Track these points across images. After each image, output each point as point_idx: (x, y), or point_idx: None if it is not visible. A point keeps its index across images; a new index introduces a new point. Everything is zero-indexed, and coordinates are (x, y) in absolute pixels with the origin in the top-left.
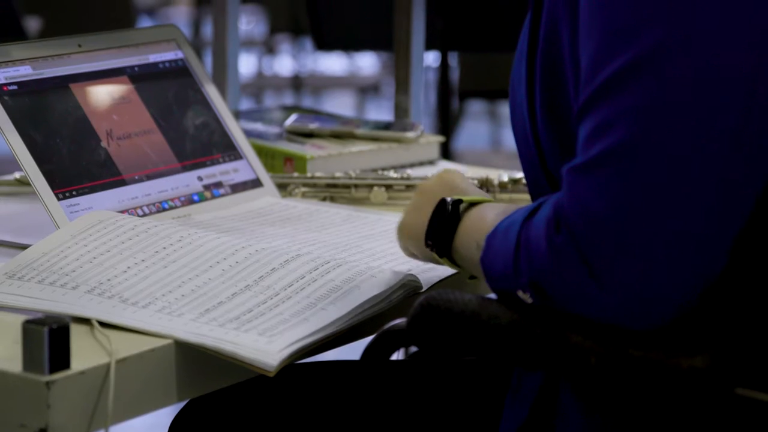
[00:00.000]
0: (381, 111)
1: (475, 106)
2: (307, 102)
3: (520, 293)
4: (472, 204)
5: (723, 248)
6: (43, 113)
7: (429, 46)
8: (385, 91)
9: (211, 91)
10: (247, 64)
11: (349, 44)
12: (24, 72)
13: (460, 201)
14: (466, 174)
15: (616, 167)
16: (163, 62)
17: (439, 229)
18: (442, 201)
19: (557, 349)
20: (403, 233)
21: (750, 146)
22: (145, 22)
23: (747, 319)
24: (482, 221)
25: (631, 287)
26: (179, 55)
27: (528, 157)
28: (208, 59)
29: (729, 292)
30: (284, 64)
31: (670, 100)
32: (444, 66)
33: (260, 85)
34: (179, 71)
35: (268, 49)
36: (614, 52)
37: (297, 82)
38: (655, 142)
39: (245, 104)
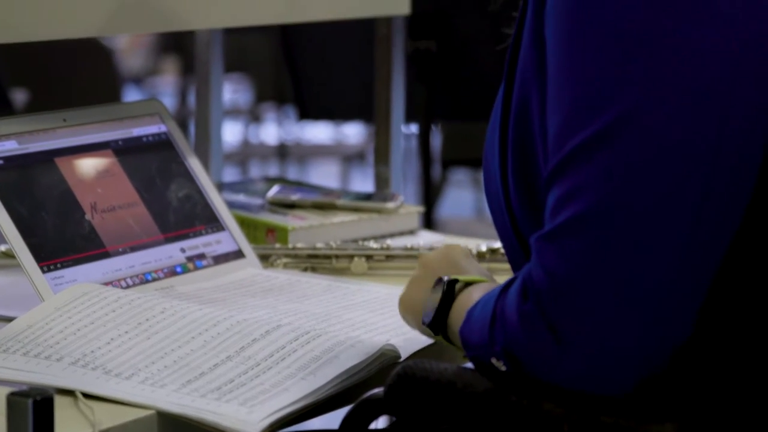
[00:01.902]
0: (366, 179)
1: (459, 174)
2: (293, 170)
3: (494, 360)
4: (469, 284)
5: (686, 316)
6: (28, 187)
7: (411, 115)
8: (371, 159)
9: (194, 164)
10: (232, 132)
11: (332, 114)
12: (9, 147)
13: (455, 281)
14: (444, 241)
15: (580, 235)
16: (147, 136)
17: (435, 309)
18: (439, 281)
19: (531, 417)
20: (403, 306)
21: (710, 218)
22: (131, 91)
23: (714, 387)
24: (470, 300)
25: (593, 354)
26: (162, 128)
27: (503, 226)
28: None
29: (697, 360)
30: (270, 133)
31: (632, 172)
32: (425, 136)
33: (246, 153)
34: (162, 144)
35: (254, 117)
36: (579, 124)
37: (282, 151)
38: (617, 213)
39: (231, 173)
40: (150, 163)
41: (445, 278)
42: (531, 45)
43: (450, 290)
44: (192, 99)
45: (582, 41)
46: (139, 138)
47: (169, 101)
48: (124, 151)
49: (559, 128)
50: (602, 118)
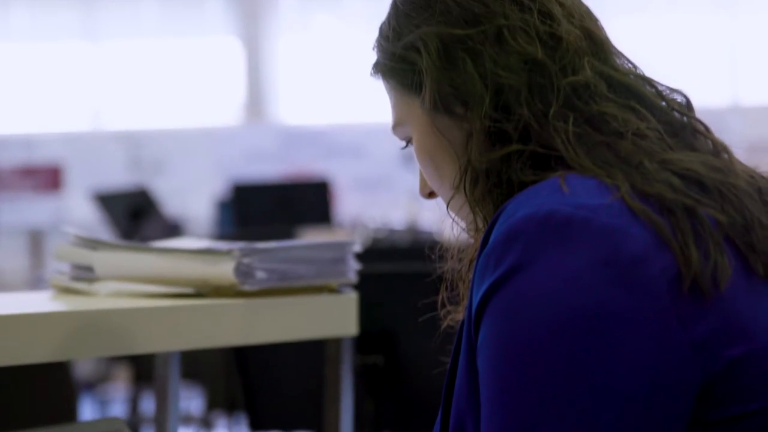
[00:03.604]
0: None
1: None
2: None
3: None
4: None
5: None
6: None
7: (360, 426)
8: None
9: None
10: None
11: (282, 424)
12: None
13: None
14: None
15: None
16: None
17: None
18: None
19: None
20: None
21: None
22: (85, 397)
23: None
24: None
25: None
26: None
27: None
28: None
29: None
30: None
31: None
32: None
33: None
34: None
35: (205, 424)
36: None
37: None
38: None
39: None
40: None
41: None
42: (466, 375)
43: None
44: (144, 405)
45: (508, 374)
46: None
47: (120, 408)
48: None
49: None
50: None
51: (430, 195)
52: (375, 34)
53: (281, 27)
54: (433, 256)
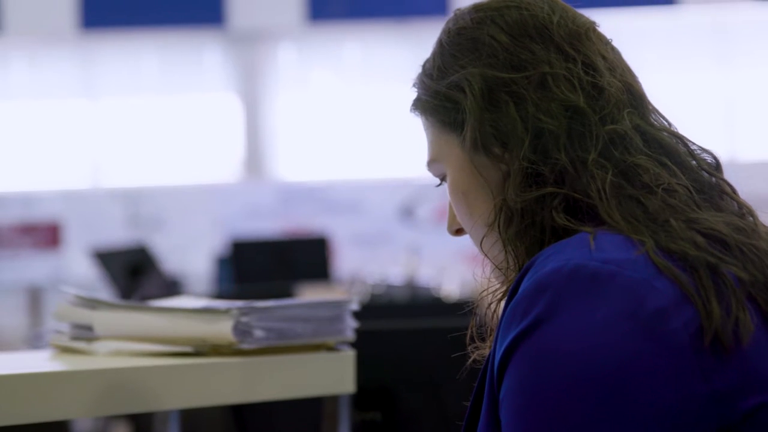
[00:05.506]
0: None
1: None
2: None
3: None
4: None
5: None
6: None
7: None
8: None
9: None
10: None
11: None
12: None
13: None
14: None
15: None
16: None
17: None
18: None
19: None
20: None
21: None
22: None
23: None
24: None
25: None
26: None
27: None
28: None
29: None
30: None
31: None
32: None
33: None
34: None
35: None
36: None
37: None
38: None
39: None
40: None
41: None
42: (487, 427)
43: None
44: None
45: (531, 426)
46: None
47: None
48: None
49: None
50: None
51: (458, 232)
52: (373, 89)
53: (279, 83)
54: (431, 312)
